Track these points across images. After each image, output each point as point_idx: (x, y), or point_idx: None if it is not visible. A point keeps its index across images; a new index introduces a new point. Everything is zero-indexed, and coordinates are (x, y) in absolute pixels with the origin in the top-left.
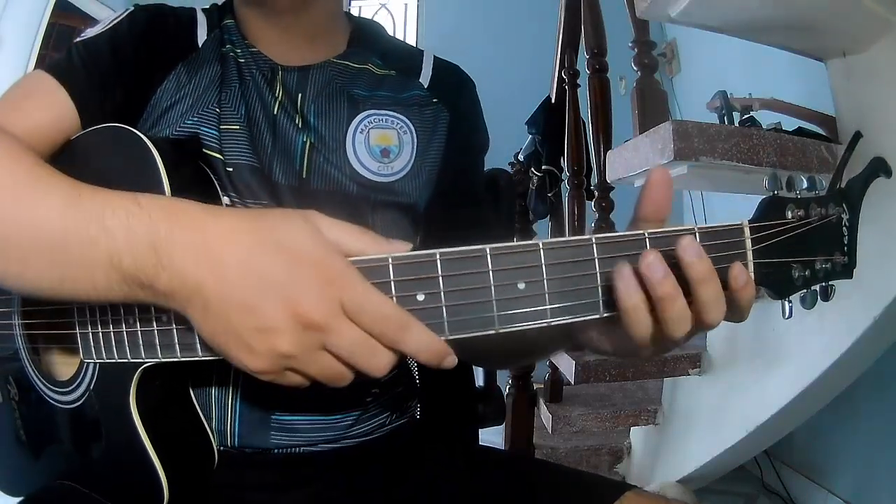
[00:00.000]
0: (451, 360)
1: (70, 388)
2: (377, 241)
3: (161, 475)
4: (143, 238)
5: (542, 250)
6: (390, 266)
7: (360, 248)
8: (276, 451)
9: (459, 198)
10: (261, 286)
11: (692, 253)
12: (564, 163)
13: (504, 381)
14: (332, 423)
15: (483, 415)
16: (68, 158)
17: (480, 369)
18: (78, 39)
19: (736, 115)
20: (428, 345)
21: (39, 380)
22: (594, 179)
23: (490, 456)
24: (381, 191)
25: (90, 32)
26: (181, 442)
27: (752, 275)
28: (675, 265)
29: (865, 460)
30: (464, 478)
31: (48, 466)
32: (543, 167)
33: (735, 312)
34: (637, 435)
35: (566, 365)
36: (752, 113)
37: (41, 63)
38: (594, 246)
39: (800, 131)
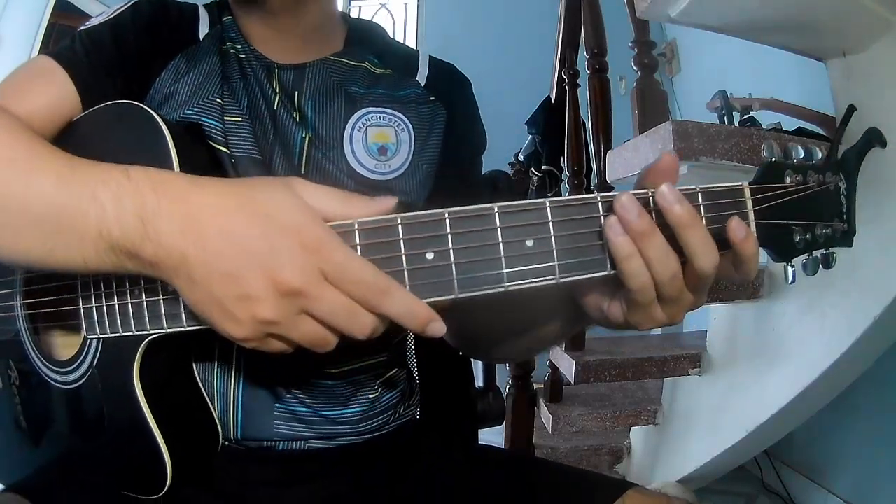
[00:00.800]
0: (437, 327)
1: (72, 367)
2: (364, 203)
3: (164, 453)
4: (131, 209)
5: (548, 208)
6: (399, 225)
7: (346, 212)
8: (279, 446)
9: (458, 196)
10: (242, 256)
11: (671, 198)
12: (564, 163)
13: (504, 380)
14: (335, 417)
15: (483, 414)
16: (76, 134)
17: (480, 369)
18: (81, 28)
19: (736, 115)
20: (410, 309)
21: (41, 361)
22: (594, 179)
23: (491, 455)
24: (378, 188)
25: (94, 21)
26: (185, 419)
27: (755, 235)
28: (661, 215)
29: (865, 460)
30: (465, 477)
31: (48, 451)
32: (543, 167)
33: (740, 268)
34: (637, 435)
35: (566, 365)
36: (752, 113)
37: None
38: (599, 203)
39: (800, 131)
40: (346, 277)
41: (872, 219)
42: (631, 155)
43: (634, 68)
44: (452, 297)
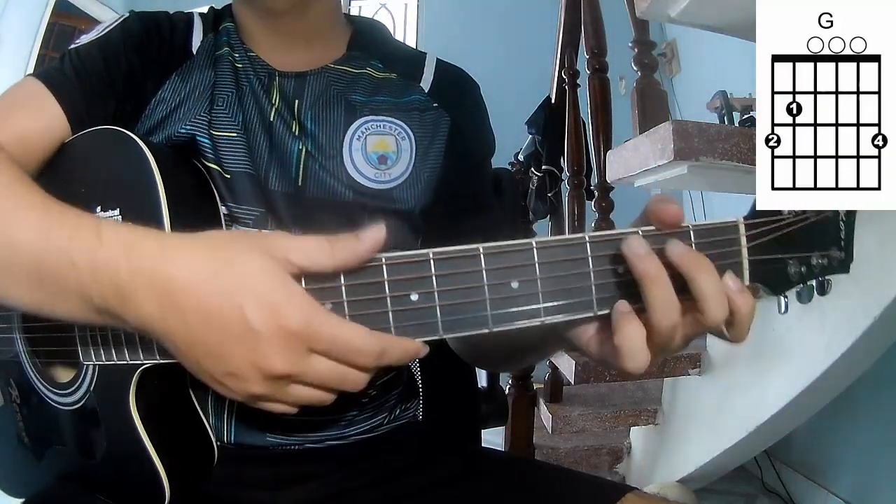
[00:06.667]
0: (424, 351)
1: (71, 389)
2: (352, 247)
3: (162, 474)
4: (107, 279)
5: (535, 249)
6: (384, 266)
7: (336, 264)
8: (272, 448)
9: (464, 204)
10: (223, 336)
11: (680, 247)
12: (564, 163)
13: (504, 381)
14: (328, 422)
15: (486, 415)
16: (66, 161)
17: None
18: (72, 46)
19: (736, 115)
20: (404, 355)
21: (40, 382)
22: (594, 179)
23: (490, 457)
24: (377, 198)
25: (84, 39)
26: (182, 441)
27: (748, 272)
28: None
29: (865, 460)
30: (463, 479)
31: (50, 467)
32: (543, 167)
33: (733, 326)
34: (637, 435)
35: (566, 365)
36: (752, 113)
37: (41, 63)
38: (588, 244)
39: None
40: (335, 350)
41: (872, 218)
42: (631, 155)
43: (634, 68)
44: (437, 337)
